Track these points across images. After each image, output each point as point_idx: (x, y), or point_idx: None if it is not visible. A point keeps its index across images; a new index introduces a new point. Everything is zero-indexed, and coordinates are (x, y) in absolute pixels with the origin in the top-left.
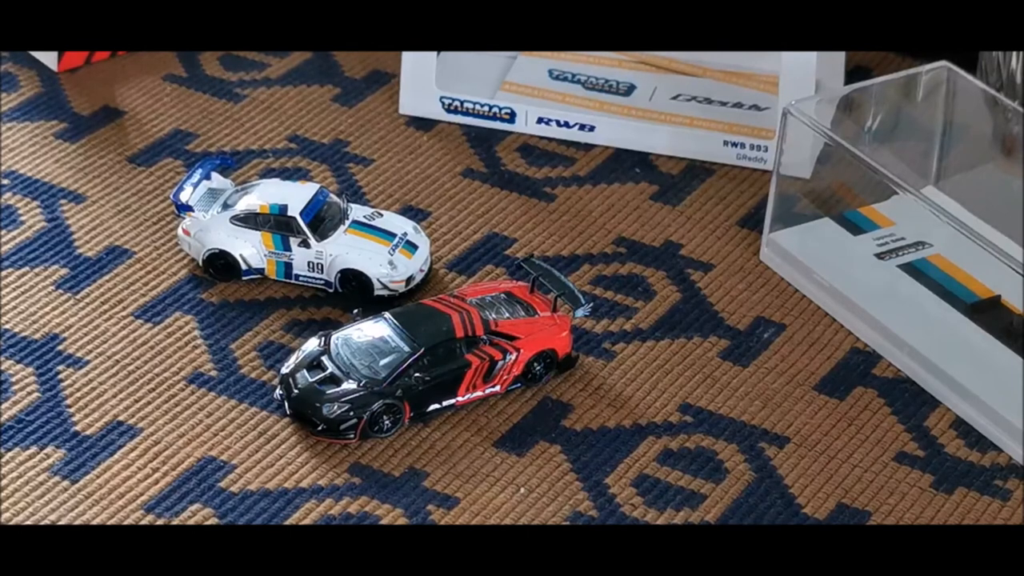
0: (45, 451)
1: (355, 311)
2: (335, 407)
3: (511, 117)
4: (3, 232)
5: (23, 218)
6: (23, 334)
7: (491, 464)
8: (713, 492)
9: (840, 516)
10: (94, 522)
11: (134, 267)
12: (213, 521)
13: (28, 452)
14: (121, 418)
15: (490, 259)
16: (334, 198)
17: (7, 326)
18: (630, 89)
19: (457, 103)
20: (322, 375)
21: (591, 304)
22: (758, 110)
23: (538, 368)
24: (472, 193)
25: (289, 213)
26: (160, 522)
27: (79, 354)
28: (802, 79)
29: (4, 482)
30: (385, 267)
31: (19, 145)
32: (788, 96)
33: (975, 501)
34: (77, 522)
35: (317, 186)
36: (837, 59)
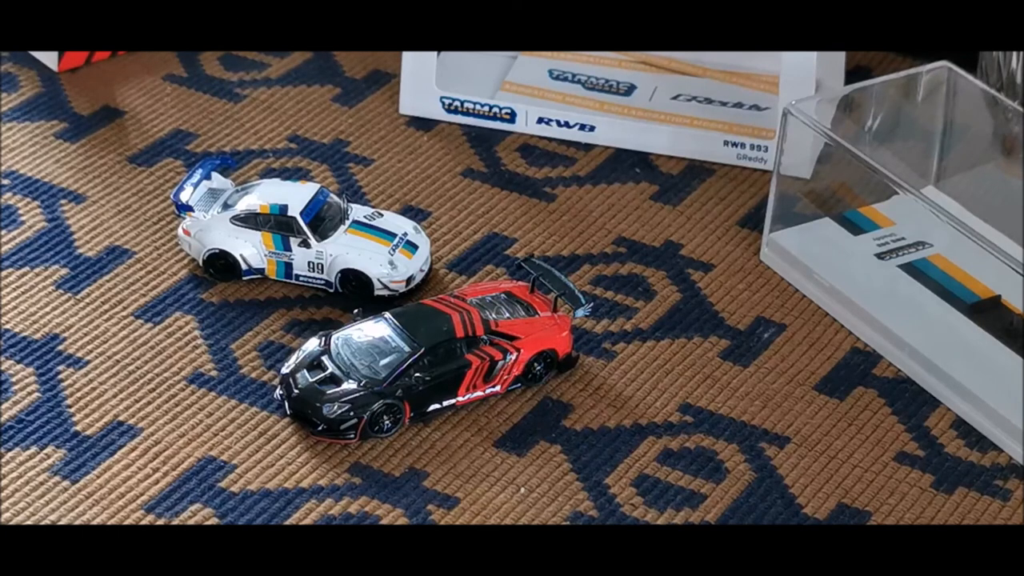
0: (45, 451)
1: (355, 311)
2: (335, 407)
3: (511, 117)
4: (3, 232)
5: (23, 218)
6: (23, 334)
7: (491, 464)
8: (713, 492)
9: (840, 516)
10: (94, 522)
11: (134, 267)
12: (213, 521)
13: (28, 452)
14: (121, 418)
15: (490, 259)
16: (334, 198)
17: (7, 326)
18: (630, 89)
19: (457, 103)
20: (322, 375)
21: (591, 304)
22: (758, 110)
23: (538, 368)
24: (472, 193)
25: (289, 213)
26: (160, 522)
27: (79, 354)
28: (802, 79)
29: (4, 482)
30: (385, 267)
31: (19, 145)
32: (788, 96)
33: (975, 501)
34: (77, 522)
35: (317, 186)
36: (837, 59)
